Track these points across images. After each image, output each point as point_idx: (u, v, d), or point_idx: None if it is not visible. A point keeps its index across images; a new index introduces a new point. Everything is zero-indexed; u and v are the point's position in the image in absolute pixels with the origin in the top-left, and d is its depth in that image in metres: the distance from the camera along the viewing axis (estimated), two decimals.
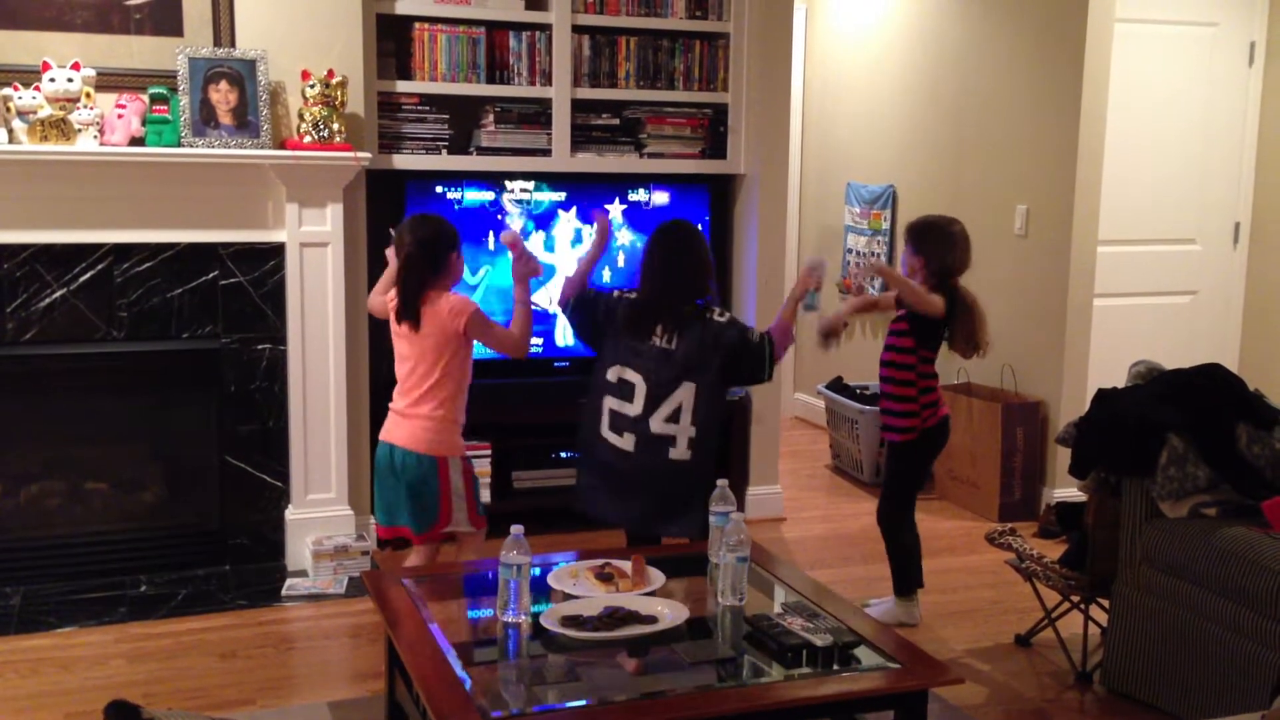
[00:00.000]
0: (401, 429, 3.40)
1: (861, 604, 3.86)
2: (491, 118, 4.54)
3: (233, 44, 4.06)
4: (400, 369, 3.43)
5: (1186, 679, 3.17)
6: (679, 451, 3.37)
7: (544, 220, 4.62)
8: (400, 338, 3.41)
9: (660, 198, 4.74)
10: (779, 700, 2.47)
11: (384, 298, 3.49)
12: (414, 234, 3.36)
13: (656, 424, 3.36)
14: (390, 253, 3.51)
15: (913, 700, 2.52)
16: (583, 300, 3.54)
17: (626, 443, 3.37)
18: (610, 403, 3.41)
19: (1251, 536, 3.07)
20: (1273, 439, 3.31)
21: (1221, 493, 3.28)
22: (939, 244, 3.73)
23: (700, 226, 4.72)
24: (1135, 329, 5.20)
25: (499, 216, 4.56)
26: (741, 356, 3.39)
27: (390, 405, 3.47)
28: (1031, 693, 3.45)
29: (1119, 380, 3.64)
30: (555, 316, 4.67)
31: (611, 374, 3.41)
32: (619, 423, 3.39)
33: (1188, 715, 3.14)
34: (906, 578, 3.89)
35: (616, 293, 3.53)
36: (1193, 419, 3.30)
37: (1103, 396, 3.50)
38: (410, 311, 3.34)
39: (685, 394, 3.36)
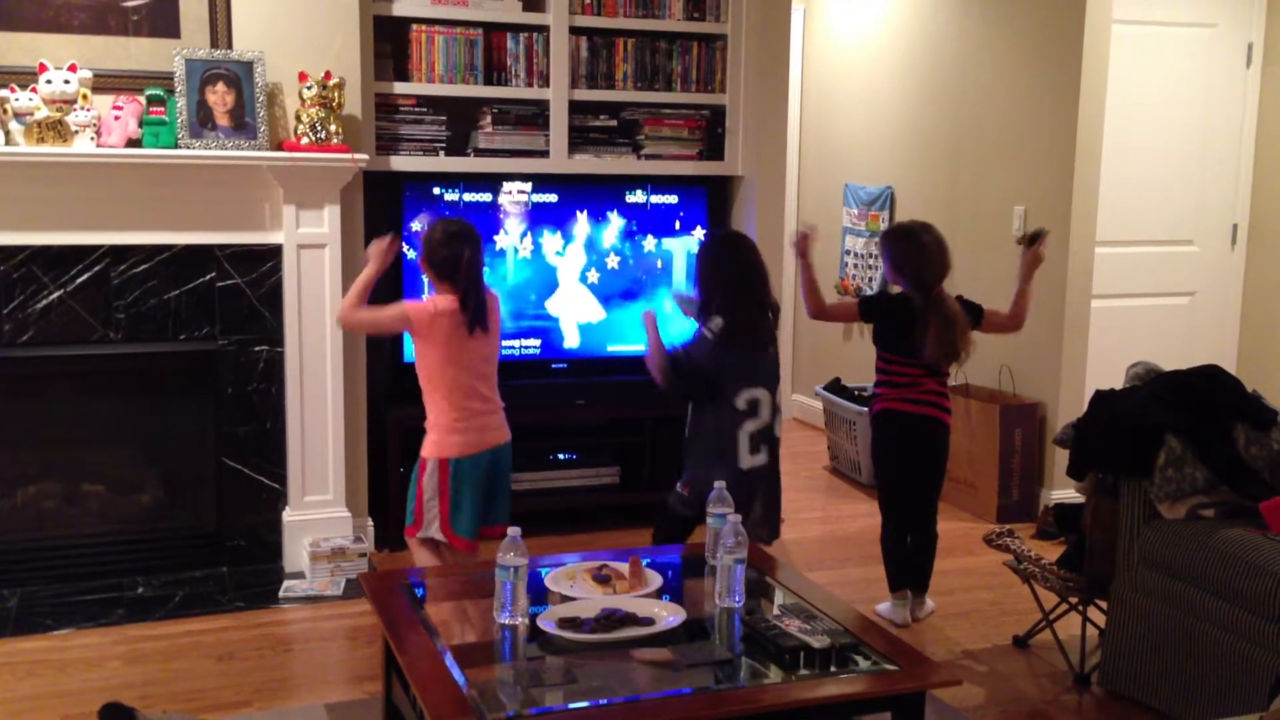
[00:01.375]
0: (502, 427, 3.47)
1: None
2: (489, 119, 4.54)
3: (230, 45, 4.05)
4: (481, 371, 3.42)
5: (1184, 680, 3.17)
6: (780, 446, 3.60)
7: (542, 221, 4.62)
8: (474, 341, 3.37)
9: (658, 199, 4.74)
10: (776, 702, 2.46)
11: (369, 312, 3.46)
12: (467, 240, 3.35)
13: (777, 427, 3.55)
14: (372, 250, 3.45)
15: (910, 702, 2.51)
16: (686, 372, 3.52)
17: (762, 456, 3.50)
18: (747, 428, 3.48)
19: (1249, 538, 3.07)
20: (1270, 440, 3.30)
21: (1219, 494, 3.28)
22: (911, 254, 3.75)
23: (698, 228, 4.75)
24: (1133, 330, 5.20)
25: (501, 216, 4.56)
26: None
27: (474, 414, 3.40)
28: (1029, 694, 3.45)
29: (1117, 381, 3.64)
30: (551, 320, 4.67)
31: (740, 401, 3.48)
32: (756, 441, 3.49)
33: (1186, 717, 3.14)
34: (887, 575, 3.93)
35: (705, 333, 3.51)
36: (1191, 420, 3.30)
37: (1101, 398, 3.50)
38: (483, 319, 3.37)
39: (778, 392, 3.59)
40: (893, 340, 3.80)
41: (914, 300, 3.75)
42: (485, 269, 3.51)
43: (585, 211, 4.66)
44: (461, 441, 3.40)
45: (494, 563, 2.66)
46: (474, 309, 3.35)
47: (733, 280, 3.50)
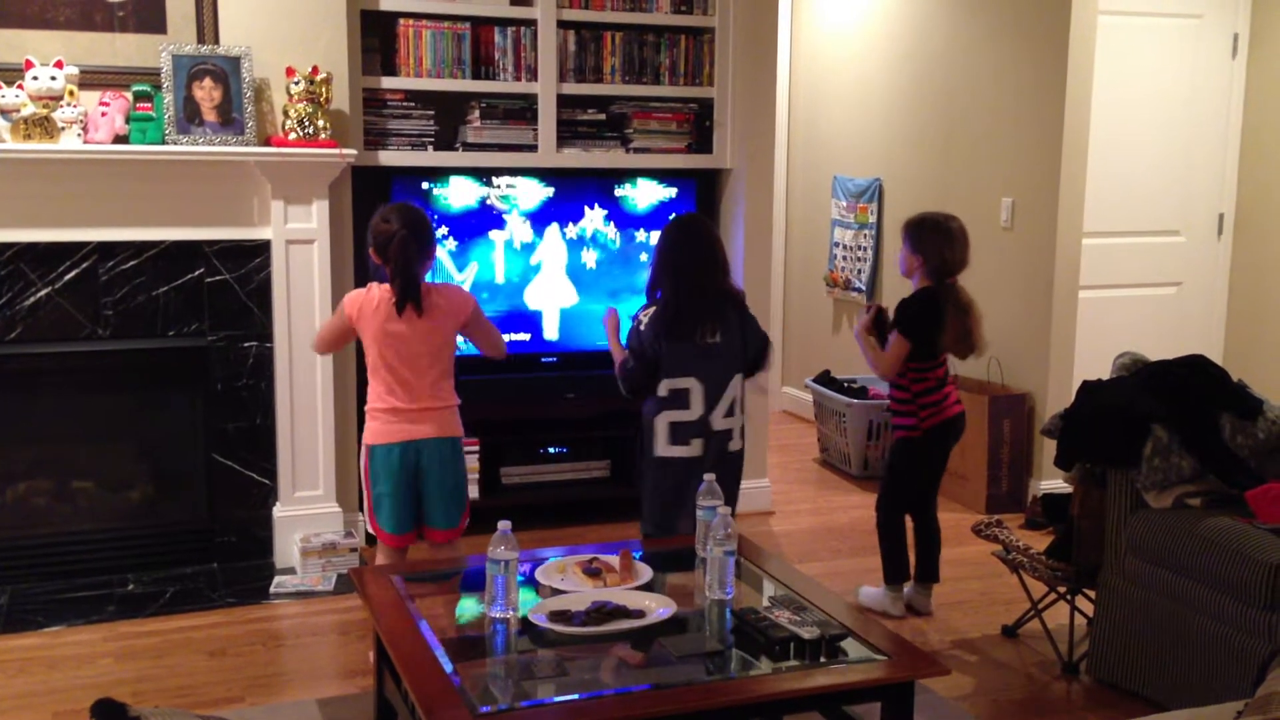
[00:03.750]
0: (429, 422, 3.35)
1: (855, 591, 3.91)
2: (477, 114, 4.53)
3: (216, 41, 4.05)
4: (403, 365, 3.31)
5: (1172, 668, 3.20)
6: (735, 443, 3.48)
7: (530, 214, 4.62)
8: (404, 334, 3.30)
9: (647, 192, 4.75)
10: (766, 693, 2.47)
11: (334, 338, 3.46)
12: (403, 220, 3.29)
13: (718, 421, 3.43)
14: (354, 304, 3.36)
15: (900, 691, 2.53)
16: (629, 369, 3.50)
17: (695, 449, 3.42)
18: (667, 417, 3.42)
19: (1235, 526, 3.09)
20: (1256, 429, 3.32)
21: (1206, 483, 3.30)
22: (937, 241, 3.72)
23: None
24: (1120, 321, 5.22)
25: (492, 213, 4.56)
26: (766, 353, 3.56)
27: (386, 407, 3.34)
28: (1018, 683, 3.47)
29: (1104, 372, 3.65)
30: (540, 314, 4.67)
31: (663, 389, 3.42)
32: (682, 432, 3.41)
33: (1173, 704, 3.15)
34: (892, 567, 3.91)
35: (641, 317, 3.47)
36: (1177, 410, 3.32)
37: (1088, 388, 3.51)
38: (415, 297, 3.29)
39: (736, 386, 3.47)
40: (927, 342, 3.71)
41: (932, 291, 3.72)
42: (432, 260, 3.41)
43: (574, 205, 4.66)
44: (376, 429, 3.37)
45: (484, 556, 2.67)
46: (402, 287, 3.27)
47: (678, 267, 3.44)
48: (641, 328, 3.44)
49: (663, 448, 3.43)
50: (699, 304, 3.42)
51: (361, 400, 4.35)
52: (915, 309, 3.76)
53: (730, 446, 3.47)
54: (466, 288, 4.49)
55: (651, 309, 3.45)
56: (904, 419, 3.84)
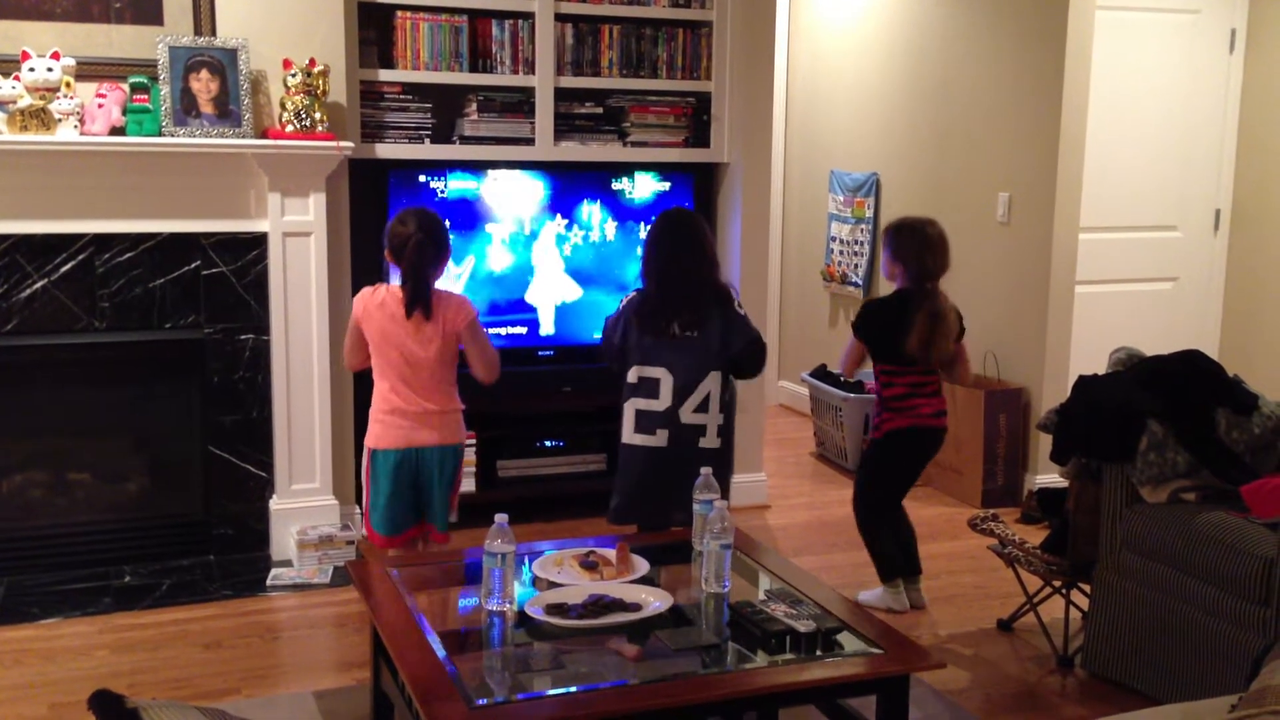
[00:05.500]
0: (431, 428, 3.36)
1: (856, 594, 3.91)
2: (474, 107, 4.53)
3: (213, 33, 4.04)
4: (408, 368, 3.33)
5: (1166, 662, 3.21)
6: (709, 440, 3.46)
7: (528, 208, 4.61)
8: (408, 337, 3.31)
9: (644, 186, 4.74)
10: (762, 686, 2.48)
11: (355, 344, 3.42)
12: (419, 223, 3.31)
13: (686, 414, 3.42)
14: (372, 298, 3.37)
15: (895, 685, 2.53)
16: (606, 342, 3.55)
17: (659, 439, 3.42)
18: (635, 404, 3.43)
19: (1230, 521, 3.10)
20: (1251, 424, 3.33)
21: (1201, 478, 3.31)
22: (916, 247, 3.75)
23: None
24: (1116, 316, 5.23)
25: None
26: (755, 354, 3.53)
27: (389, 409, 3.35)
28: (1013, 676, 3.48)
29: (1100, 367, 3.66)
30: (536, 308, 4.67)
31: (632, 375, 3.44)
32: (647, 421, 3.42)
33: (1167, 698, 3.16)
34: (882, 565, 3.93)
35: (623, 300, 3.53)
36: (1172, 405, 3.32)
37: (1084, 383, 3.52)
38: (425, 301, 3.30)
39: (713, 383, 3.45)
40: (889, 344, 3.76)
41: (905, 294, 3.74)
42: (444, 266, 3.41)
43: (571, 199, 4.66)
44: (378, 432, 3.39)
45: (480, 549, 2.67)
46: (412, 290, 3.29)
47: (660, 259, 3.47)
48: (617, 312, 3.50)
49: (628, 434, 3.45)
50: (677, 297, 3.43)
51: (359, 393, 4.38)
52: (871, 310, 3.89)
53: (702, 443, 3.44)
54: (463, 281, 4.51)
55: (633, 295, 3.51)
56: (874, 418, 3.94)
